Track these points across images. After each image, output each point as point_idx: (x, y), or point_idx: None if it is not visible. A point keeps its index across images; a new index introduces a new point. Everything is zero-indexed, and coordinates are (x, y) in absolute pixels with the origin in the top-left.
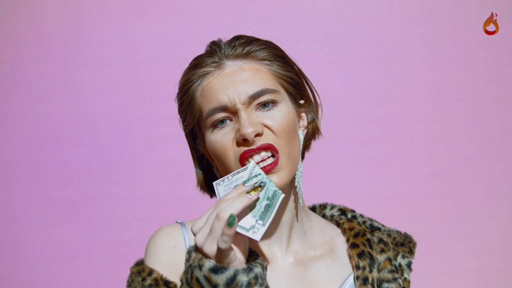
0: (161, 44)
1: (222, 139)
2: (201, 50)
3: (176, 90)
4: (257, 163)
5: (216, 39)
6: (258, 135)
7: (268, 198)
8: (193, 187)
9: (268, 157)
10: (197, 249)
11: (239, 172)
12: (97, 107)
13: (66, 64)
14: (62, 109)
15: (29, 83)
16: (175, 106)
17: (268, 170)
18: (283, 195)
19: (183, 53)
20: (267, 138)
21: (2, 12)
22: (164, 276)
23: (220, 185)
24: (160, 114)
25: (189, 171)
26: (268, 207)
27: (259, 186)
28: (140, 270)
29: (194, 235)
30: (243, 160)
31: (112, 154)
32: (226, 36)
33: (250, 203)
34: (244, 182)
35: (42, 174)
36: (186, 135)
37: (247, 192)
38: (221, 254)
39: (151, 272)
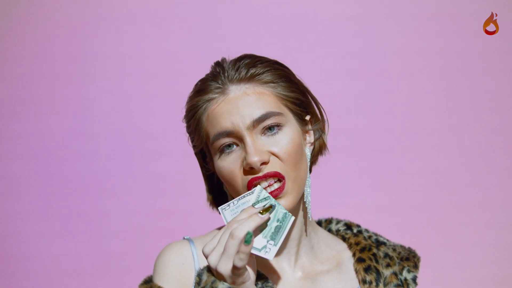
0: (168, 58)
1: (229, 167)
2: (205, 65)
3: (183, 113)
4: (264, 188)
5: (220, 60)
6: (264, 163)
7: (278, 220)
8: (198, 201)
9: (275, 182)
10: (209, 270)
11: (245, 196)
12: (102, 121)
13: (71, 79)
14: (68, 123)
15: (36, 98)
16: (179, 121)
17: (275, 195)
18: (293, 218)
19: (189, 67)
20: (273, 166)
21: (8, 28)
22: None
23: (226, 210)
24: (165, 128)
25: (194, 185)
26: (278, 229)
27: (270, 207)
28: None
29: (206, 256)
30: (250, 187)
31: (117, 167)
32: (228, 52)
33: (262, 222)
34: (253, 205)
35: (47, 188)
36: (196, 154)
37: (259, 212)
38: (237, 273)
39: None
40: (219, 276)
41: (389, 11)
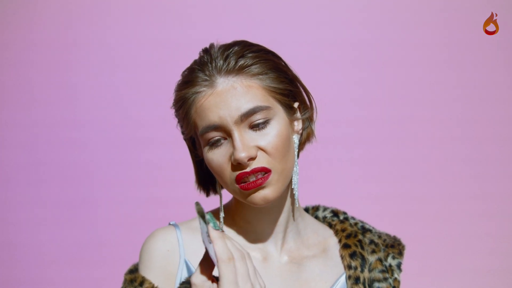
0: (157, 47)
1: (218, 160)
2: (196, 53)
3: (172, 99)
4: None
5: (208, 46)
6: (251, 158)
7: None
8: (187, 189)
9: (261, 175)
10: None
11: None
12: (93, 110)
13: (62, 67)
14: (59, 112)
15: (27, 87)
16: (169, 109)
17: (259, 184)
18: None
19: (178, 56)
20: (260, 161)
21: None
22: (156, 285)
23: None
24: (155, 117)
25: (184, 174)
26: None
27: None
28: (133, 278)
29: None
30: (239, 181)
31: (107, 156)
32: (219, 40)
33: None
34: (215, 226)
35: (38, 176)
36: (185, 140)
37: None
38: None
39: (142, 282)
40: None
41: (388, 10)
